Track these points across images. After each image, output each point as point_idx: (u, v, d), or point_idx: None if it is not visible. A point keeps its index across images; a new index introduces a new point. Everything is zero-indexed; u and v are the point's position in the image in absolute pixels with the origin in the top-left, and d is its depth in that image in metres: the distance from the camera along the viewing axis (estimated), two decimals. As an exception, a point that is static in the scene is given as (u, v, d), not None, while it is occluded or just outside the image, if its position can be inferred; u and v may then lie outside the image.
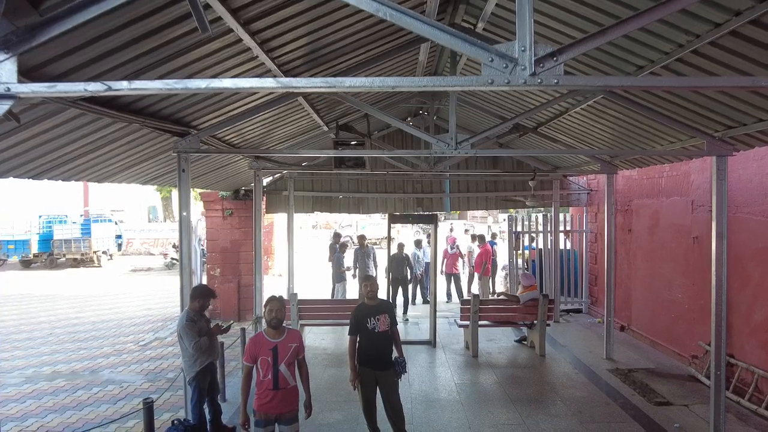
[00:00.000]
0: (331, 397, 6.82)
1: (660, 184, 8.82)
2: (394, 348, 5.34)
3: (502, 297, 9.09)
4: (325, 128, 8.42)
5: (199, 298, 5.41)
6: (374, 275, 11.23)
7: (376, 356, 5.16)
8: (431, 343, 9.24)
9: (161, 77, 3.52)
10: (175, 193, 22.40)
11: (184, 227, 5.72)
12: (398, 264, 11.28)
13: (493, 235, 15.22)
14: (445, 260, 13.65)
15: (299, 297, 8.87)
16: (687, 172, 8.02)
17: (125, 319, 11.92)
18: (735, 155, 5.70)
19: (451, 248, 13.72)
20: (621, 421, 6.00)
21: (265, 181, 12.18)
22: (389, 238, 9.26)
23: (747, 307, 6.69)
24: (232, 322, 6.45)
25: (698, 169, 7.73)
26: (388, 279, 10.34)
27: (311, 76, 5.66)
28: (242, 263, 11.46)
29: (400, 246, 11.69)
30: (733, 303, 6.93)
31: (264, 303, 4.28)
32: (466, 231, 14.97)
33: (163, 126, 5.21)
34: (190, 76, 4.17)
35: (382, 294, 5.62)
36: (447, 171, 9.39)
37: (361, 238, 12.45)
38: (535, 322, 8.78)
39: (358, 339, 5.24)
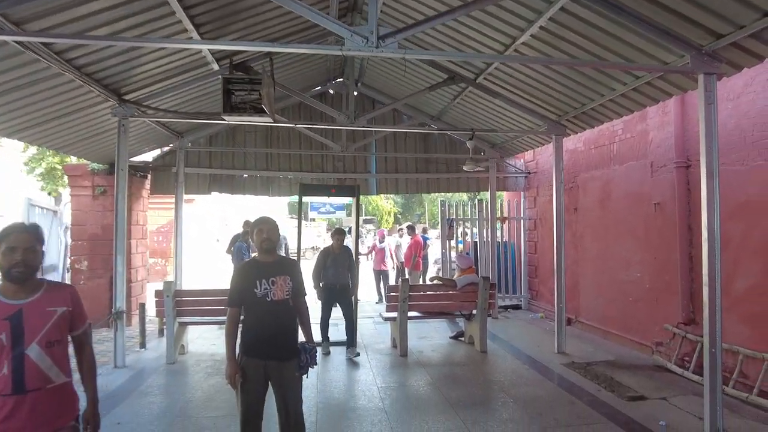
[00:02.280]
0: (205, 412, 4.87)
1: (611, 150, 7.76)
2: (299, 329, 3.56)
3: (435, 282, 7.58)
4: (215, 66, 6.60)
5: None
6: None
7: (270, 340, 3.31)
8: (352, 343, 7.46)
9: None
10: (65, 192, 18.99)
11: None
12: (336, 264, 7.01)
13: (425, 230, 13.80)
14: (374, 256, 12.06)
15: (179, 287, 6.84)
16: (644, 131, 6.97)
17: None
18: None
19: (380, 242, 12.14)
20: (594, 422, 4.54)
21: (151, 156, 10.09)
22: (300, 219, 7.42)
23: (726, 275, 5.52)
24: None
25: (657, 125, 6.69)
26: (318, 290, 7.05)
27: None
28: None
29: (339, 235, 7.20)
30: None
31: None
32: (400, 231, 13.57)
33: None
34: None
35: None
36: (372, 126, 7.80)
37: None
38: (474, 312, 7.31)
39: (242, 314, 3.42)
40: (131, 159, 9.55)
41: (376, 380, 5.84)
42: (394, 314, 7.09)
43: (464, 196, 26.51)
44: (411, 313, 7.12)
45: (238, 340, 3.36)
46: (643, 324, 6.92)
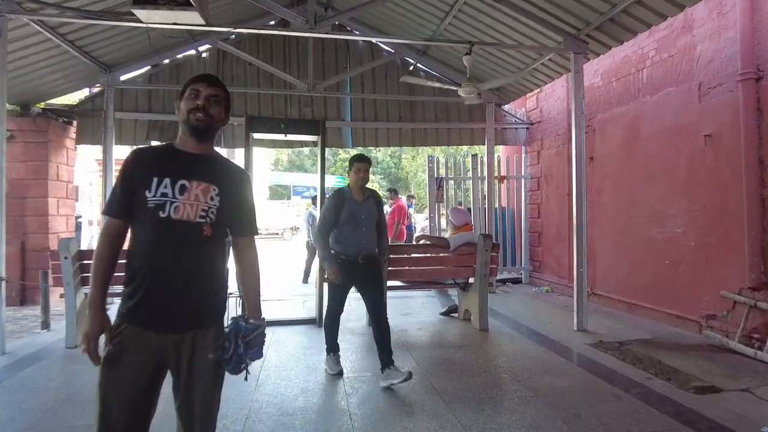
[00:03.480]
0: (76, 418, 3.22)
1: (640, 79, 6.21)
2: (240, 289, 2.11)
3: (423, 242, 6.04)
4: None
5: None
6: None
7: (163, 293, 1.73)
8: (316, 321, 5.90)
9: None
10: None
11: None
12: (358, 220, 3.94)
13: (410, 197, 12.24)
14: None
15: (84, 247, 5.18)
16: (688, 46, 5.43)
17: None
18: None
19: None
20: (664, 429, 3.03)
21: (79, 96, 8.34)
22: (248, 155, 5.76)
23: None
24: None
25: (709, 33, 5.15)
26: (327, 264, 4.03)
27: None
28: (30, 215, 7.43)
29: (360, 163, 3.97)
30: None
31: None
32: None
33: None
34: None
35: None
36: (338, 34, 6.10)
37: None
38: (472, 280, 5.78)
39: (130, 235, 1.81)
40: (50, 101, 7.85)
41: (343, 369, 4.26)
42: (369, 283, 5.51)
43: (438, 151, 24.62)
44: (391, 282, 5.57)
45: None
46: (684, 292, 5.45)
